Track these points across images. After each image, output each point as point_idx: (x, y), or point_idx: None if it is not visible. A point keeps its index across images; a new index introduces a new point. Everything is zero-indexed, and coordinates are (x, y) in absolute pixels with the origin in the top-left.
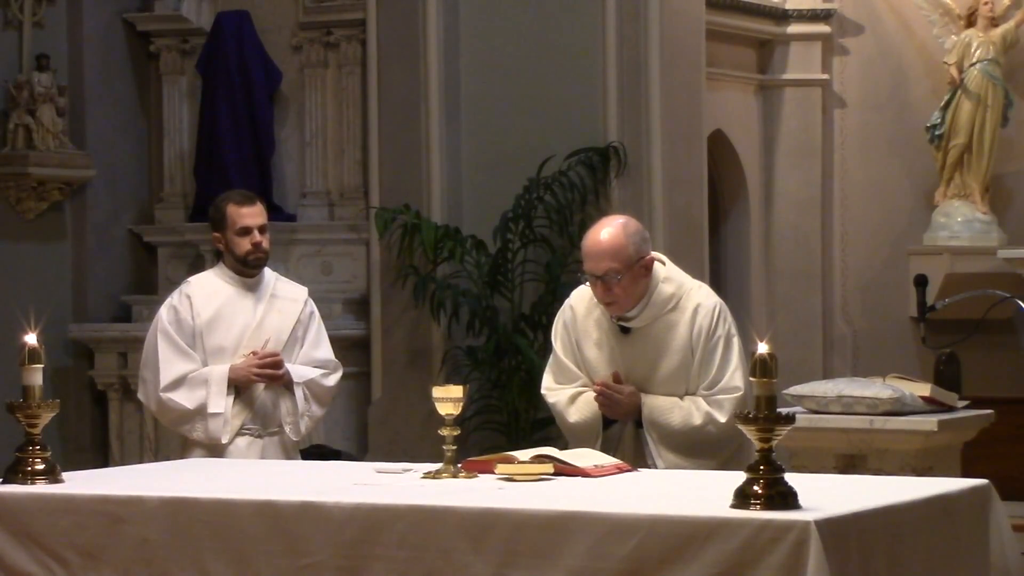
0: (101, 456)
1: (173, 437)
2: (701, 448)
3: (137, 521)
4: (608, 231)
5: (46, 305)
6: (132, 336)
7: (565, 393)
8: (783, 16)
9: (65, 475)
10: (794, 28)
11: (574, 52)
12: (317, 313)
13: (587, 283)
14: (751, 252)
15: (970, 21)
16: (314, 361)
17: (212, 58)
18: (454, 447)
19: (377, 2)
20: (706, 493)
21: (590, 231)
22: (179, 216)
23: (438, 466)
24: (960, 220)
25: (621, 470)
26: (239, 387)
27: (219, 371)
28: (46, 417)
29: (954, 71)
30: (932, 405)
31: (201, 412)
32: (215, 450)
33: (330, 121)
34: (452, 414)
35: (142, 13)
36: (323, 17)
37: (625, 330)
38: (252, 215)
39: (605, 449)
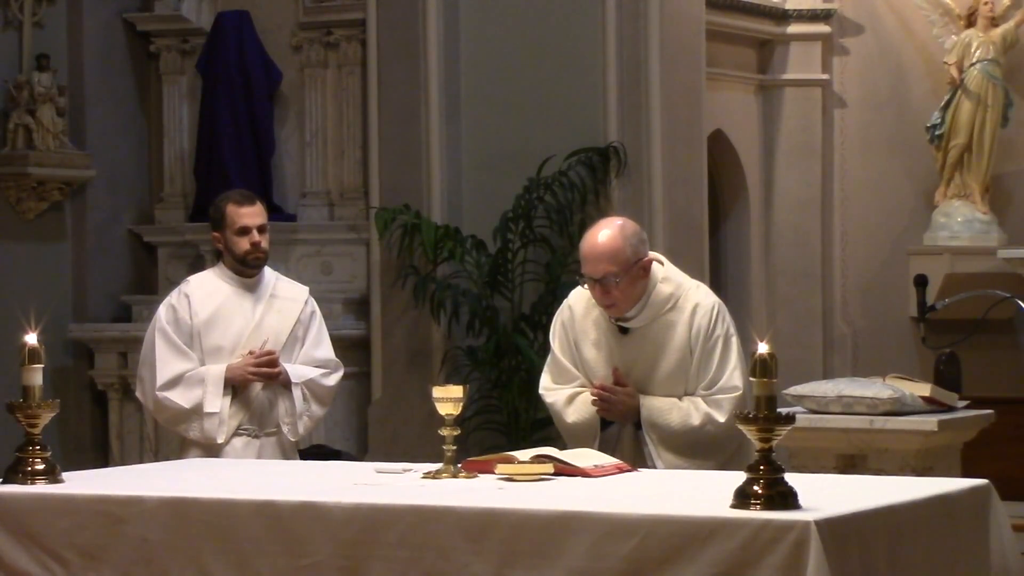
0: (101, 456)
1: (173, 437)
2: (701, 448)
3: (137, 521)
4: (605, 233)
5: (46, 305)
6: (132, 336)
7: (563, 393)
8: (783, 16)
9: (65, 475)
10: (794, 28)
11: (574, 52)
12: (319, 313)
13: (585, 286)
14: (751, 252)
15: (970, 21)
16: (314, 361)
17: (212, 58)
18: (454, 447)
19: (377, 2)
20: (706, 493)
21: (587, 234)
22: (179, 216)
23: (438, 466)
24: (960, 220)
25: (621, 470)
26: (236, 387)
27: (216, 370)
28: (46, 417)
29: (954, 71)
30: (932, 405)
31: (197, 411)
32: (211, 450)
33: (330, 121)
34: (452, 414)
35: (142, 13)
36: (323, 17)
37: (624, 330)
38: (252, 215)
39: (603, 450)
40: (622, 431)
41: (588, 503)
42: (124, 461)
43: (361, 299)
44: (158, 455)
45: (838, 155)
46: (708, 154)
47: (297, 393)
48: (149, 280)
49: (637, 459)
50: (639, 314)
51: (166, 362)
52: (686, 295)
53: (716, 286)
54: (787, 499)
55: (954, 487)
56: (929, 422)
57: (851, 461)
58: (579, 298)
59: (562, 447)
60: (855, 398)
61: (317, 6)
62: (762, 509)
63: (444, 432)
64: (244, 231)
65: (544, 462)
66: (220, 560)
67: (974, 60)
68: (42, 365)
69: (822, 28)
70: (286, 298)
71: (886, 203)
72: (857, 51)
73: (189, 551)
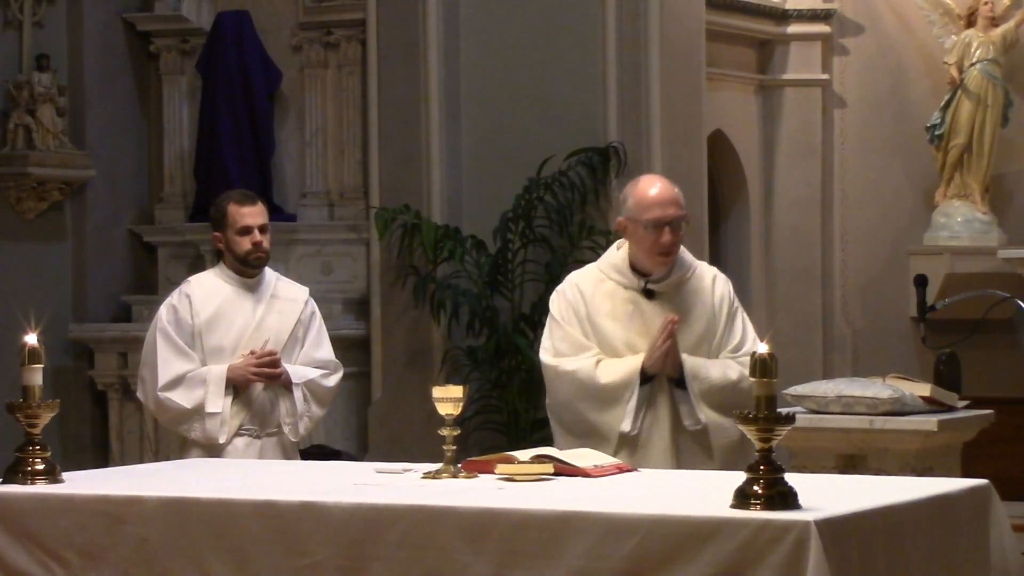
0: (101, 456)
1: (173, 437)
2: (736, 406)
3: (137, 521)
4: (665, 181)
5: (46, 305)
6: (132, 336)
7: (587, 360)
8: (783, 16)
9: (65, 475)
10: (794, 28)
11: (574, 52)
12: (319, 313)
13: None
14: (751, 252)
15: (970, 21)
16: (314, 361)
17: (212, 58)
18: (454, 447)
19: (377, 2)
20: (706, 493)
21: (641, 185)
22: (179, 216)
23: (438, 466)
24: (960, 220)
25: (621, 470)
26: (237, 387)
27: (217, 371)
28: (46, 417)
29: (954, 71)
30: (932, 405)
31: (199, 412)
32: (213, 450)
33: (330, 121)
34: (452, 414)
35: (142, 13)
36: (323, 17)
37: (649, 295)
38: (253, 214)
39: (637, 409)
40: (657, 391)
41: (588, 503)
42: (124, 461)
43: (361, 299)
44: (158, 455)
45: (838, 155)
46: (708, 154)
47: (298, 394)
48: (149, 280)
49: (674, 417)
50: (669, 275)
51: (167, 362)
52: (700, 265)
53: None
54: (787, 499)
55: (954, 487)
56: (929, 422)
57: (851, 461)
58: (584, 276)
59: (561, 446)
60: (855, 398)
61: (317, 6)
62: (762, 509)
63: (444, 432)
64: (245, 231)
65: (544, 462)
66: (220, 560)
67: (974, 60)
68: (42, 365)
69: (822, 28)
70: (286, 298)
71: (886, 203)
72: (857, 51)
73: (189, 551)
